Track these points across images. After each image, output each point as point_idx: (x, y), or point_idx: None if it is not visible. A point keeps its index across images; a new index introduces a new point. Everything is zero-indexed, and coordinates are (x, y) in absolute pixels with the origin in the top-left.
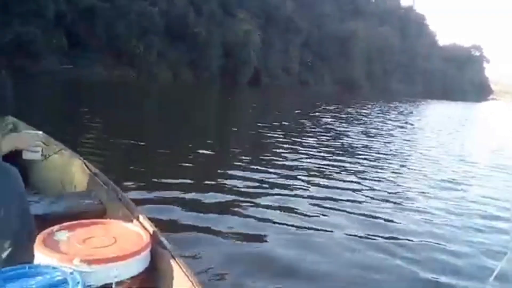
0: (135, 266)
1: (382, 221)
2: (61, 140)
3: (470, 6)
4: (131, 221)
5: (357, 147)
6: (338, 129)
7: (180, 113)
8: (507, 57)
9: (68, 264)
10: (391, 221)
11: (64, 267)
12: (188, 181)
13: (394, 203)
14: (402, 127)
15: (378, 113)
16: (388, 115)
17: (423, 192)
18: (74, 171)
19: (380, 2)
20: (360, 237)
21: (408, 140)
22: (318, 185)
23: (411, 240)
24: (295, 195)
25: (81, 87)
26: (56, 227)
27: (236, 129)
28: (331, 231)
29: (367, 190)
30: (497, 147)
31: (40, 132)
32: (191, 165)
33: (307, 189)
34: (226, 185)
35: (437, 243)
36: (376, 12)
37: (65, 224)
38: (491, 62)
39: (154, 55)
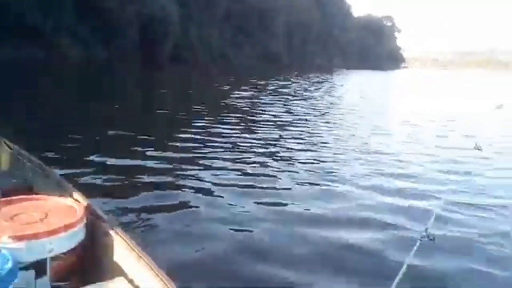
0: (70, 239)
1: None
2: None
3: None
4: (62, 195)
5: (277, 120)
6: (255, 105)
7: (98, 92)
8: (415, 26)
9: None
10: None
11: None
12: (124, 161)
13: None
14: (320, 98)
15: (298, 86)
16: (309, 87)
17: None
18: None
19: None
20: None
21: (325, 111)
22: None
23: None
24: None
25: None
26: None
27: (149, 111)
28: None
29: (293, 161)
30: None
31: None
32: (117, 141)
33: (225, 162)
34: (157, 159)
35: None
36: None
37: None
38: (401, 31)
39: (64, 33)
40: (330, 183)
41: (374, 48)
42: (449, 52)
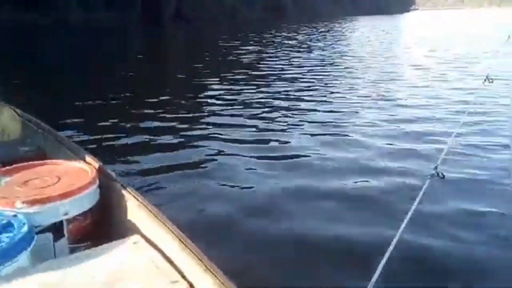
0: (84, 201)
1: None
2: None
3: None
4: (75, 160)
5: (283, 74)
6: (262, 60)
7: (100, 56)
8: None
9: (11, 208)
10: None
11: (7, 211)
12: (133, 123)
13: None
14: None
15: (305, 37)
16: (316, 37)
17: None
18: (4, 119)
19: None
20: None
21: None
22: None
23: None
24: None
25: None
26: None
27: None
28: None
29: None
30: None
31: None
32: (134, 109)
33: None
34: (173, 125)
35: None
36: None
37: (2, 169)
38: None
39: None
40: (339, 133)
41: None
42: None
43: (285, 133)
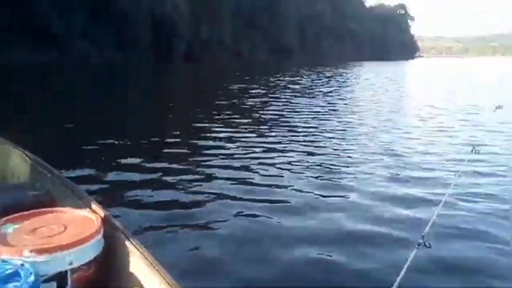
0: (89, 251)
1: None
2: None
3: None
4: (81, 207)
5: (286, 120)
6: (265, 104)
7: (112, 94)
8: (429, 14)
9: (18, 257)
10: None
11: (15, 259)
12: (138, 165)
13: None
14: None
15: (309, 81)
16: (320, 82)
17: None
18: (14, 162)
19: None
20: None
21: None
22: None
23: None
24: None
25: (2, 72)
26: (1, 220)
27: (171, 115)
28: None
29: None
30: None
31: None
32: (137, 150)
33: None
34: (178, 170)
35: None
36: None
37: (10, 216)
38: (416, 20)
39: (78, 34)
40: (329, 187)
41: (386, 38)
42: (464, 38)
43: (280, 178)
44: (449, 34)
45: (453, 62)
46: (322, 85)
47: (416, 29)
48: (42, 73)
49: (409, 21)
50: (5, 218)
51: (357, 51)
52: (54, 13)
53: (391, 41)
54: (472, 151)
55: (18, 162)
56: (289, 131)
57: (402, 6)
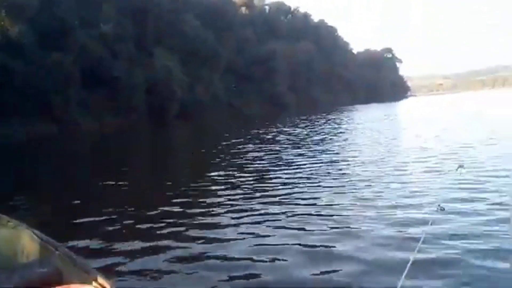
0: None
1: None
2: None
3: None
4: (88, 282)
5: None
6: (257, 161)
7: (112, 163)
8: (416, 54)
9: None
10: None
11: None
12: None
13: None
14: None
15: (302, 131)
16: (312, 132)
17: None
18: (23, 241)
19: (293, 21)
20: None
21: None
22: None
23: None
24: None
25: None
26: None
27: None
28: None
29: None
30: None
31: None
32: (141, 218)
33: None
34: (183, 236)
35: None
36: (290, 30)
37: None
38: (404, 61)
39: (75, 106)
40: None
41: (377, 81)
42: (453, 74)
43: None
44: (439, 71)
45: (442, 98)
46: (317, 133)
47: (405, 69)
48: (43, 148)
49: (397, 63)
50: None
51: (349, 95)
52: (50, 86)
53: (382, 83)
54: (437, 209)
55: (27, 241)
56: (279, 184)
57: (389, 50)
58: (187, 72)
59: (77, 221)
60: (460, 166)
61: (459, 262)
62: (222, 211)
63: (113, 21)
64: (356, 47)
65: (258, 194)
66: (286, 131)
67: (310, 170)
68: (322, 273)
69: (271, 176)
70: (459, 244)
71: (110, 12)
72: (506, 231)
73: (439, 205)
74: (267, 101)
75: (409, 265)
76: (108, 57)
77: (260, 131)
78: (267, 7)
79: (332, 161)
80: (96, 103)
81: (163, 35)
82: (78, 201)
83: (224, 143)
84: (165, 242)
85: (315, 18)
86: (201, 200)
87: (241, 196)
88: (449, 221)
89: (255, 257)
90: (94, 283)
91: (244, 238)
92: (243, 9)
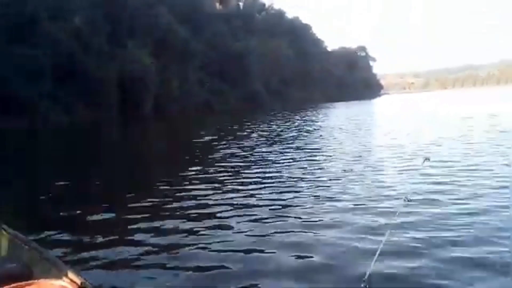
0: None
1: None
2: None
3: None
4: (58, 277)
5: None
6: (231, 157)
7: (84, 157)
8: (389, 52)
9: None
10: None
11: None
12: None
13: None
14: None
15: (276, 128)
16: (282, 128)
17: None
18: None
19: (267, 17)
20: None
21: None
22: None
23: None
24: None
25: None
26: None
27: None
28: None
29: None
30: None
31: None
32: (113, 211)
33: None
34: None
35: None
36: (264, 27)
37: None
38: (377, 60)
39: (45, 100)
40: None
41: (350, 79)
42: (424, 72)
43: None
44: (410, 69)
45: (411, 97)
46: (290, 129)
47: (379, 68)
48: (15, 141)
49: (370, 61)
50: None
51: (323, 93)
52: (18, 80)
53: (355, 81)
54: (404, 200)
55: None
56: (251, 180)
57: (363, 48)
58: (161, 67)
59: (47, 215)
60: (426, 159)
61: (424, 250)
62: (195, 204)
63: (85, 13)
64: (330, 44)
65: (230, 188)
66: (260, 127)
67: (283, 166)
68: (298, 257)
69: (243, 172)
70: (424, 234)
71: (82, 4)
72: (468, 222)
73: (405, 197)
74: (241, 97)
75: (378, 252)
76: (80, 50)
77: (234, 127)
78: (241, 3)
79: (304, 158)
80: (67, 97)
81: (136, 29)
82: (44, 197)
83: (198, 140)
84: (136, 236)
85: (290, 14)
86: (175, 195)
87: (215, 190)
88: (415, 212)
89: (232, 247)
90: (64, 278)
91: (218, 230)
92: (217, 4)
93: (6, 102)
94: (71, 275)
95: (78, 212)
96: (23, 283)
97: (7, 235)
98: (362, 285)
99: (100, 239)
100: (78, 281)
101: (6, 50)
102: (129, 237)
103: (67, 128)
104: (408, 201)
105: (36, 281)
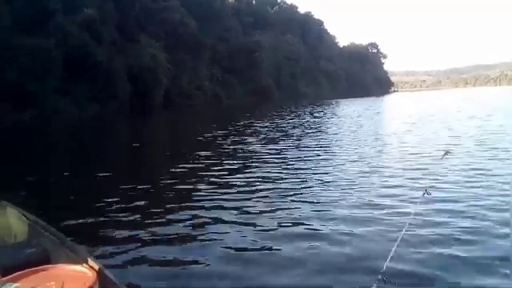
0: None
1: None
2: None
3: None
4: (77, 263)
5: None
6: (258, 143)
7: (93, 151)
8: (401, 50)
9: None
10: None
11: None
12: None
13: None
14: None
15: (290, 123)
16: (290, 125)
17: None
18: (11, 222)
19: (279, 12)
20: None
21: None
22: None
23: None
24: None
25: None
26: (2, 280)
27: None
28: None
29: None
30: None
31: None
32: (132, 203)
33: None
34: (166, 218)
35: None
36: (276, 22)
37: (10, 276)
38: (388, 57)
39: (55, 93)
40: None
41: (361, 76)
42: (435, 71)
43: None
44: (421, 68)
45: (424, 94)
46: (302, 125)
47: (390, 65)
48: (21, 135)
49: (382, 58)
50: (5, 278)
51: (333, 89)
52: (29, 74)
53: (366, 78)
54: (424, 193)
55: (16, 222)
56: (262, 180)
57: (374, 45)
58: (172, 60)
59: (69, 203)
60: (447, 152)
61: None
62: (201, 203)
63: (96, 6)
64: (342, 40)
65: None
66: (269, 123)
67: (300, 158)
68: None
69: (254, 169)
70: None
71: None
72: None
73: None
74: (251, 92)
75: (396, 244)
76: (91, 42)
77: (243, 123)
78: None
79: (321, 150)
80: (76, 90)
81: (147, 22)
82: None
83: (208, 134)
84: (153, 230)
85: (302, 9)
86: (181, 191)
87: (222, 188)
88: (435, 205)
89: (240, 245)
90: (83, 264)
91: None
92: None
93: (17, 95)
94: (90, 261)
95: (100, 205)
96: (43, 267)
97: (27, 221)
98: (379, 277)
99: (120, 234)
100: (97, 267)
101: (16, 40)
102: (150, 231)
103: (78, 121)
104: (428, 194)
105: (58, 265)
